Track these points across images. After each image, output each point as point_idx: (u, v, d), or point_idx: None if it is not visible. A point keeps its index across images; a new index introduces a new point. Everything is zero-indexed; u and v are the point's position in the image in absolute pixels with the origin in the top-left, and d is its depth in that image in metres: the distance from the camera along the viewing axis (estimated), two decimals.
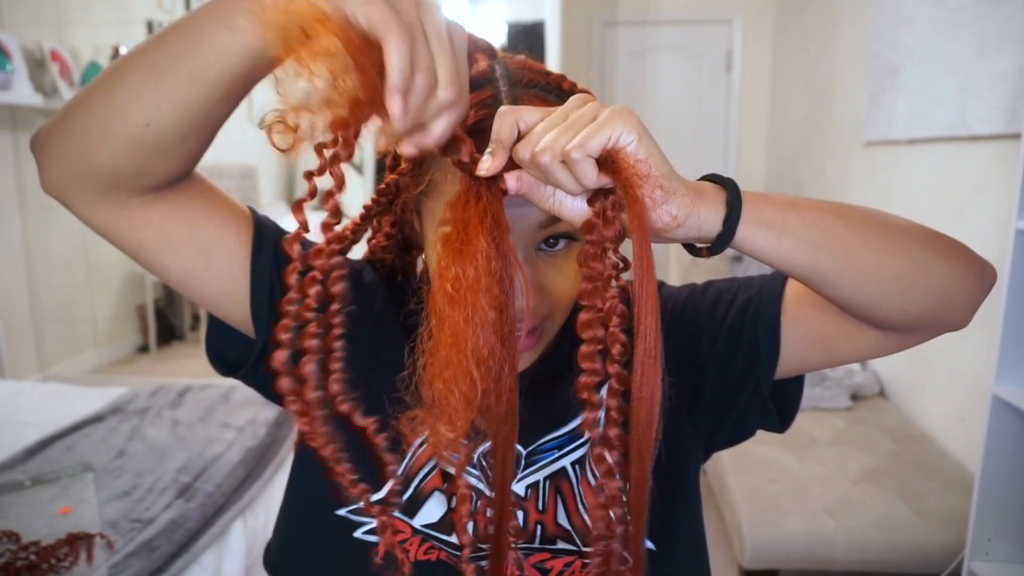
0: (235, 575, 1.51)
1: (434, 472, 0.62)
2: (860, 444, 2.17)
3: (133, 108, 0.48)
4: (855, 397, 2.54)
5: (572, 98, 0.47)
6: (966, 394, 2.09)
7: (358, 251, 0.69)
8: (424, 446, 0.62)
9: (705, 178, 0.51)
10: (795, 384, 0.65)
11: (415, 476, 0.62)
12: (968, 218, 2.11)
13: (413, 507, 0.61)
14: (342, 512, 0.62)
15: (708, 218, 0.47)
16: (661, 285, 0.70)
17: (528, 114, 0.47)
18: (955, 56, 2.16)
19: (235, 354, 0.64)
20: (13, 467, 1.64)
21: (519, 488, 0.63)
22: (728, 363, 0.63)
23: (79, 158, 0.51)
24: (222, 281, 0.59)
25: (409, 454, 0.63)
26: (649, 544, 0.61)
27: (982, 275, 0.55)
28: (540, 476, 0.63)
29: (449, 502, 0.62)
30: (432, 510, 0.61)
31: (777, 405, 0.64)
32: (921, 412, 2.37)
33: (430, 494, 0.61)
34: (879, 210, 0.54)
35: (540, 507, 0.62)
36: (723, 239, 0.48)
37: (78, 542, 1.33)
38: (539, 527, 0.62)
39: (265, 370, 0.65)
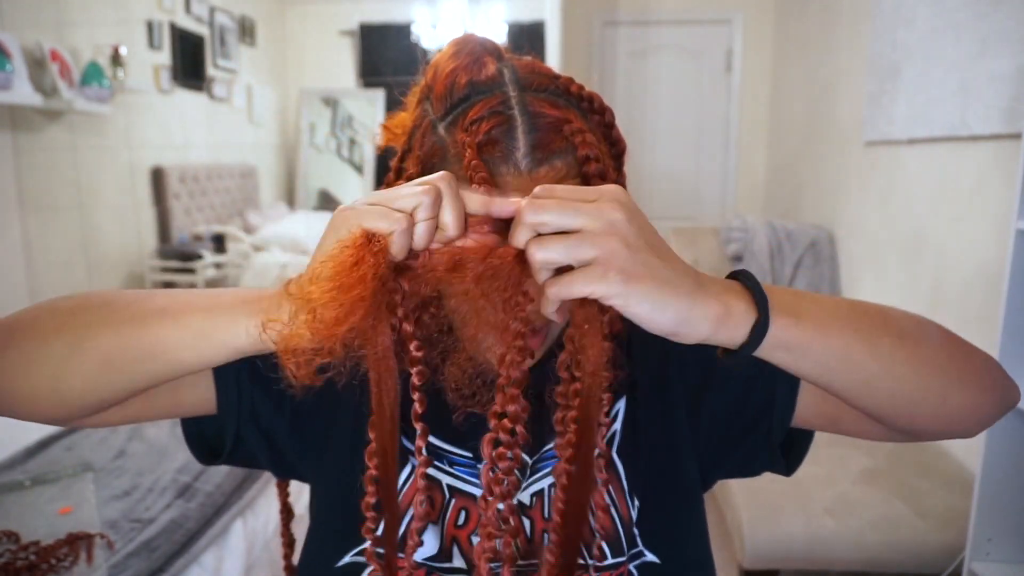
0: (235, 575, 1.51)
1: (423, 506, 0.61)
2: (860, 444, 2.17)
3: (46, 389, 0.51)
4: None
5: (591, 206, 0.44)
6: None
7: None
8: (408, 483, 0.62)
9: (736, 275, 0.50)
10: (805, 433, 0.66)
11: (404, 514, 0.61)
12: (968, 218, 2.11)
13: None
14: (345, 560, 0.62)
15: (729, 339, 0.47)
16: None
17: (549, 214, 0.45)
18: (955, 56, 2.16)
19: (213, 434, 0.67)
20: (13, 467, 1.64)
21: (524, 496, 0.62)
22: (738, 408, 0.64)
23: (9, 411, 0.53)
24: (196, 410, 0.64)
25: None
26: (653, 557, 0.61)
27: (1001, 401, 0.56)
28: (545, 484, 0.63)
29: (443, 529, 0.61)
30: (428, 543, 0.61)
31: (784, 451, 0.65)
32: None
33: (423, 529, 0.61)
34: (914, 320, 0.54)
35: (546, 515, 0.62)
36: (738, 359, 0.48)
37: (78, 542, 1.33)
38: (546, 535, 0.61)
39: (241, 456, 0.67)
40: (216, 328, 0.48)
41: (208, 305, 0.49)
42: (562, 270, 0.45)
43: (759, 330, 0.46)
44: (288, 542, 0.76)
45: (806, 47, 3.73)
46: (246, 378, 0.63)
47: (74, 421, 0.54)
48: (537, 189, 0.46)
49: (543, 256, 0.44)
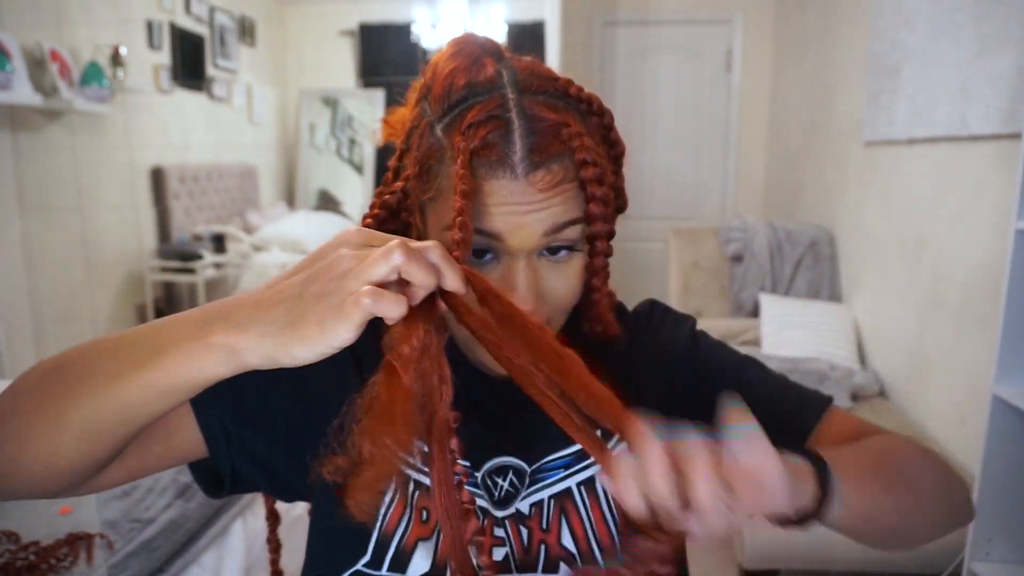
0: (235, 575, 1.51)
1: (412, 525, 0.61)
2: None
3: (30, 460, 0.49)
4: (855, 397, 2.54)
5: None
6: (966, 394, 2.09)
7: None
8: (395, 502, 0.62)
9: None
10: None
11: (393, 534, 0.61)
12: (968, 218, 2.11)
13: (401, 563, 0.60)
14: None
15: (803, 496, 0.49)
16: (701, 336, 0.72)
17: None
18: (955, 56, 2.16)
19: (215, 469, 0.66)
20: None
21: (523, 506, 0.62)
22: None
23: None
24: (192, 457, 0.63)
25: (381, 514, 0.62)
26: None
27: (963, 523, 0.64)
28: (544, 495, 0.62)
29: (436, 546, 0.61)
30: (421, 561, 0.60)
31: None
32: (921, 412, 2.37)
33: (414, 547, 0.61)
34: (916, 458, 0.61)
35: (544, 526, 0.62)
36: (813, 519, 0.50)
37: (78, 542, 1.33)
38: (542, 547, 0.61)
39: (244, 487, 0.66)
40: (174, 376, 0.46)
41: (158, 360, 0.46)
42: None
43: (825, 484, 0.50)
44: (275, 547, 0.76)
45: (806, 47, 3.73)
46: (231, 422, 0.62)
47: (86, 484, 0.53)
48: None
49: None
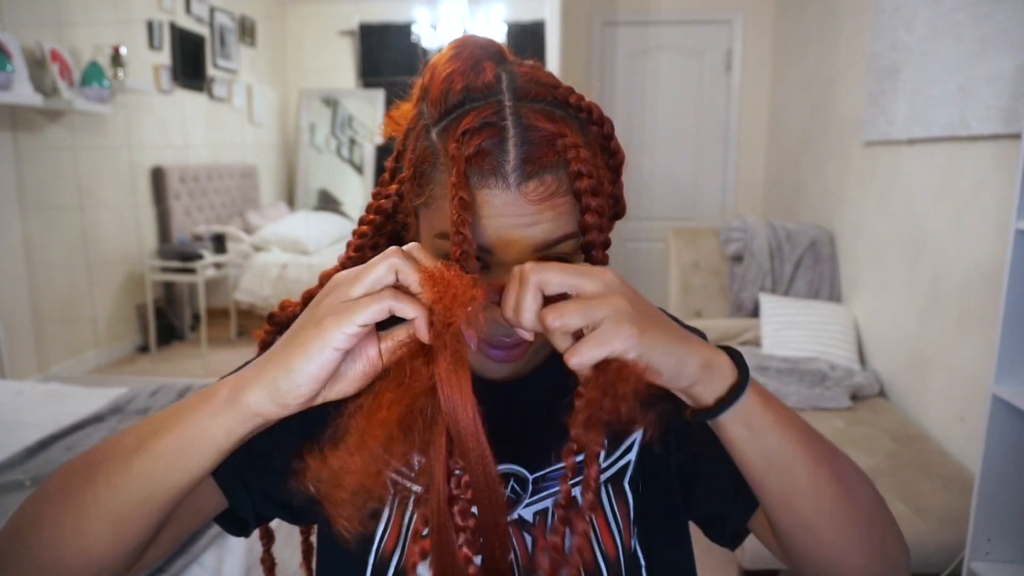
0: (235, 575, 1.51)
1: (409, 544, 0.61)
2: (860, 444, 2.18)
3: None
4: (855, 397, 2.54)
5: (587, 269, 0.48)
6: (966, 394, 2.09)
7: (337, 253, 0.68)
8: (390, 526, 0.62)
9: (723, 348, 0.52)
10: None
11: (391, 557, 0.61)
12: (968, 218, 2.11)
13: None
14: None
15: (709, 391, 0.49)
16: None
17: (553, 275, 0.47)
18: (955, 56, 2.16)
19: (238, 515, 0.67)
20: (13, 467, 1.64)
21: (526, 513, 0.62)
22: (705, 496, 0.65)
23: None
24: (218, 511, 0.65)
25: (377, 538, 0.62)
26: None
27: (890, 560, 0.55)
28: (549, 503, 0.62)
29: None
30: None
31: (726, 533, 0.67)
32: (921, 412, 2.37)
33: (414, 569, 0.61)
34: (856, 471, 0.55)
35: (548, 534, 0.62)
36: (706, 415, 0.50)
37: None
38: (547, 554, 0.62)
39: (267, 520, 0.69)
40: (193, 442, 0.48)
41: (173, 424, 0.49)
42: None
43: (737, 391, 0.48)
44: (269, 567, 0.75)
45: (806, 47, 3.73)
46: (245, 469, 0.63)
47: (130, 572, 0.54)
48: (528, 266, 0.47)
49: (562, 323, 0.45)
